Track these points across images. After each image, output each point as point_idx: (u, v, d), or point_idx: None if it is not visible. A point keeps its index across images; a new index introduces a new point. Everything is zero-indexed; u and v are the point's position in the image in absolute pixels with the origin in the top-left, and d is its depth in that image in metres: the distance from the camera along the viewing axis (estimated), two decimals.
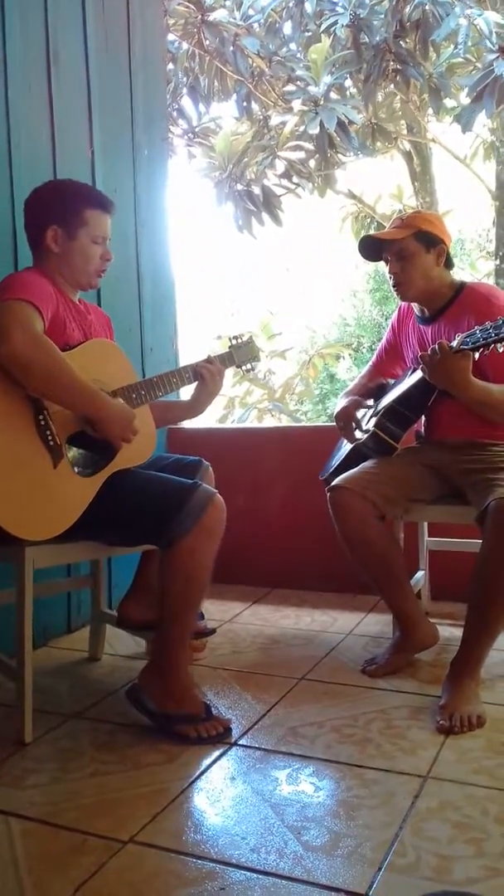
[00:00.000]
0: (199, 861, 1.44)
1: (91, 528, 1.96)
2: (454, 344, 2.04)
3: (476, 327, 2.01)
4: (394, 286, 2.36)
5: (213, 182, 7.16)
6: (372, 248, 2.39)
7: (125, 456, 2.01)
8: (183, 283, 3.62)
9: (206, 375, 2.24)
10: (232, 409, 7.76)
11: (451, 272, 2.39)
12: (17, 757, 1.86)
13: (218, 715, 2.00)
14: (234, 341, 2.40)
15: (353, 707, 2.08)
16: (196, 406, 2.29)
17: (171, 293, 3.43)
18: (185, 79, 7.22)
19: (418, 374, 2.25)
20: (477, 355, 2.02)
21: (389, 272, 2.34)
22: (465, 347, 2.01)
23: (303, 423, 8.17)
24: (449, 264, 2.36)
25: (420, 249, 2.29)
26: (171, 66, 6.79)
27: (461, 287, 2.34)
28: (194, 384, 2.25)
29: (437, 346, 2.06)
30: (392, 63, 6.34)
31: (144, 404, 2.09)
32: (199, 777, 1.75)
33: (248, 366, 2.43)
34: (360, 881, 1.36)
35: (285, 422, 7.68)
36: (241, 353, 2.39)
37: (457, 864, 1.40)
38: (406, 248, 2.29)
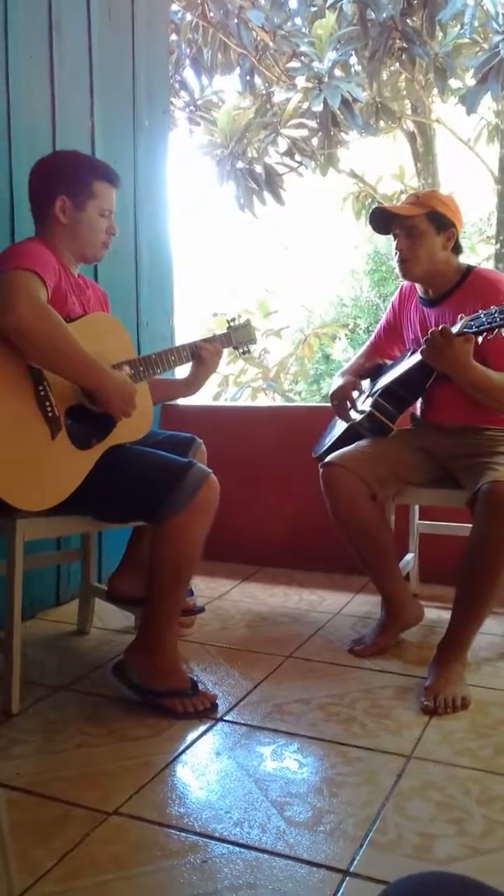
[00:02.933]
0: (183, 834, 1.45)
1: (84, 502, 1.96)
2: (457, 327, 2.03)
3: (480, 311, 2.00)
4: (398, 262, 2.34)
5: (214, 160, 7.09)
6: (382, 220, 2.35)
7: (122, 431, 2.01)
8: (181, 259, 3.60)
9: (205, 355, 2.24)
10: (226, 387, 7.75)
11: (459, 257, 2.37)
12: (4, 727, 1.87)
13: (204, 691, 2.01)
14: (231, 323, 2.40)
15: (339, 686, 2.10)
16: (192, 384, 2.29)
17: (168, 268, 3.41)
18: (188, 50, 7.13)
19: (418, 356, 2.24)
20: (480, 339, 2.02)
21: (396, 248, 2.32)
22: (469, 331, 2.00)
23: (297, 403, 8.15)
24: (457, 249, 2.34)
25: (430, 230, 2.27)
26: (174, 36, 6.70)
27: (468, 272, 2.32)
28: (190, 362, 2.25)
29: (440, 329, 2.05)
30: (398, 41, 6.27)
31: (143, 381, 2.08)
32: (184, 751, 1.76)
33: (245, 348, 2.44)
34: (342, 857, 1.38)
35: (279, 401, 7.67)
36: (239, 335, 2.40)
37: (437, 843, 1.41)
38: (416, 226, 2.26)
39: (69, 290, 1.99)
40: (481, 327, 1.97)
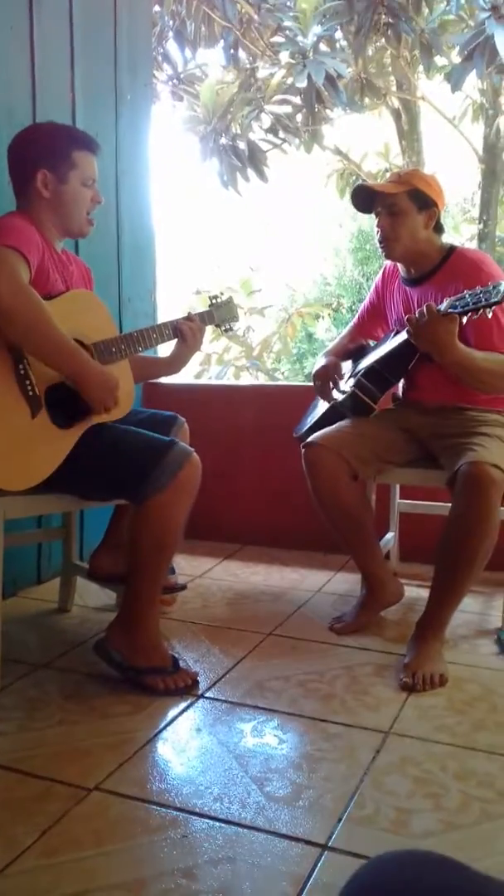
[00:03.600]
0: (164, 809, 1.46)
1: (65, 480, 1.94)
2: (443, 307, 2.03)
3: (466, 291, 2.00)
4: (380, 241, 2.33)
5: (197, 136, 7.01)
6: (365, 199, 2.35)
7: None
8: (164, 236, 3.56)
9: (187, 333, 2.21)
10: (209, 365, 7.72)
11: (441, 237, 2.37)
12: None
13: (185, 668, 2.01)
14: (214, 300, 2.38)
15: (319, 663, 2.11)
16: (175, 363, 2.27)
17: (150, 244, 3.37)
18: (171, 22, 7.02)
19: (402, 337, 2.24)
20: (465, 319, 2.02)
21: (378, 226, 2.31)
22: (454, 311, 2.00)
23: (280, 382, 8.15)
24: (439, 229, 2.33)
25: (412, 208, 2.26)
26: (157, 8, 6.59)
27: (451, 251, 2.32)
28: (173, 341, 2.23)
29: (424, 308, 2.05)
30: (384, 16, 6.21)
31: (124, 359, 2.06)
32: (165, 728, 1.77)
33: (227, 325, 2.42)
34: (320, 831, 1.40)
35: (262, 380, 7.66)
36: (221, 313, 2.38)
37: (415, 818, 1.43)
38: (397, 203, 2.26)
39: (52, 266, 1.96)
40: (466, 307, 1.97)
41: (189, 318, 2.25)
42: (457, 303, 2.00)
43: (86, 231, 2.07)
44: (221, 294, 2.41)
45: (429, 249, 2.32)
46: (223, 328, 2.43)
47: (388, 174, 8.29)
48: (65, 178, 1.97)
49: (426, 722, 1.79)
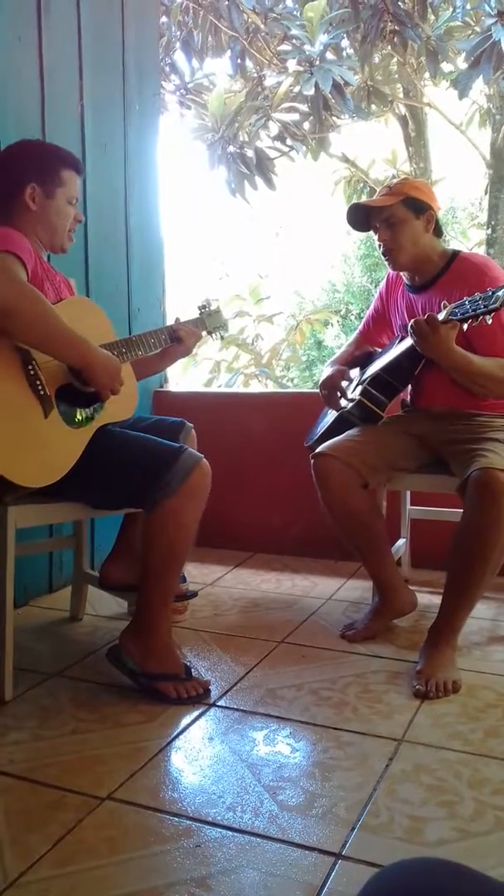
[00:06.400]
0: (176, 818, 1.46)
1: (76, 489, 1.96)
2: (443, 314, 2.04)
3: (465, 298, 2.01)
4: (384, 254, 2.35)
5: (205, 144, 7.03)
6: (361, 218, 2.37)
7: (110, 411, 2.01)
8: (172, 245, 3.57)
9: (184, 335, 2.27)
10: (218, 373, 7.72)
11: (442, 240, 2.38)
12: None
13: (198, 676, 2.01)
14: (203, 309, 2.44)
15: (331, 671, 2.11)
16: (166, 358, 2.33)
17: (159, 253, 3.39)
18: (178, 33, 7.05)
19: (406, 343, 2.25)
20: (465, 326, 2.02)
21: (379, 240, 2.33)
22: (454, 318, 2.02)
23: (289, 390, 8.14)
24: (438, 231, 2.34)
25: (409, 215, 2.28)
26: (164, 18, 6.63)
27: (454, 256, 2.33)
28: (169, 345, 2.28)
29: (426, 317, 2.07)
30: (390, 24, 6.21)
31: (125, 363, 2.08)
32: (177, 737, 1.77)
33: (217, 333, 2.47)
34: (334, 840, 1.39)
35: (271, 387, 7.65)
36: (212, 320, 2.44)
37: (428, 826, 1.43)
38: (394, 214, 2.28)
39: (44, 275, 1.99)
40: (465, 315, 1.99)
41: (183, 322, 2.31)
42: (456, 310, 2.02)
43: (66, 247, 2.12)
44: (209, 303, 2.46)
45: (432, 254, 2.33)
46: (213, 335, 2.47)
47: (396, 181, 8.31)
48: (52, 193, 2.02)
49: (439, 729, 1.78)
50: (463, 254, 2.34)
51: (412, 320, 2.13)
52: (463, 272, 2.27)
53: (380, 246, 2.34)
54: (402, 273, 2.44)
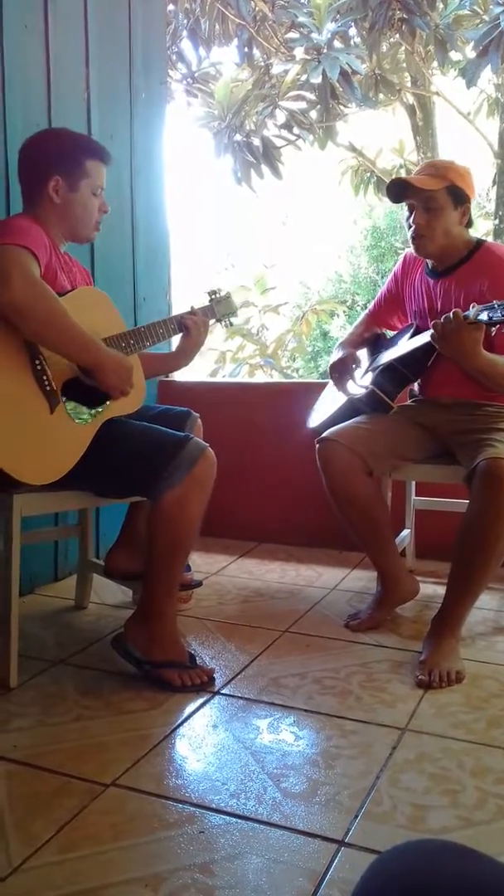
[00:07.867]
0: (180, 805, 1.47)
1: (81, 478, 1.96)
2: (470, 314, 1.99)
3: (495, 302, 1.95)
4: (413, 237, 2.28)
5: (211, 132, 7.00)
6: (398, 189, 2.29)
7: (117, 404, 2.01)
8: (178, 235, 3.57)
9: (192, 326, 2.24)
10: (223, 363, 7.71)
11: (469, 231, 2.33)
12: (2, 701, 1.88)
13: (202, 665, 2.02)
14: (214, 295, 2.41)
15: (335, 660, 2.11)
16: (182, 356, 2.30)
17: (165, 243, 3.38)
18: (185, 21, 7.02)
19: (424, 338, 2.21)
20: (493, 331, 2.00)
21: (413, 221, 2.26)
22: (482, 321, 1.96)
23: (294, 380, 8.13)
24: (470, 223, 2.30)
25: (449, 204, 2.23)
26: (171, 6, 6.59)
27: (477, 246, 2.30)
28: (179, 335, 2.26)
29: (451, 315, 2.03)
30: (398, 12, 6.16)
31: (133, 354, 2.08)
32: (181, 724, 1.78)
33: (227, 320, 2.45)
34: (337, 828, 1.40)
35: (277, 378, 7.64)
36: (221, 307, 2.42)
37: (431, 814, 1.43)
38: (436, 199, 2.22)
39: (59, 267, 1.99)
40: (493, 318, 1.92)
41: (192, 312, 2.27)
42: (484, 312, 1.96)
43: (92, 237, 2.12)
44: (219, 290, 2.44)
45: (458, 244, 2.29)
46: (223, 322, 2.45)
47: (402, 171, 8.20)
48: (76, 186, 2.01)
49: (442, 719, 1.79)
50: (487, 244, 2.30)
51: (432, 322, 2.09)
52: (486, 263, 2.23)
53: (412, 227, 2.27)
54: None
